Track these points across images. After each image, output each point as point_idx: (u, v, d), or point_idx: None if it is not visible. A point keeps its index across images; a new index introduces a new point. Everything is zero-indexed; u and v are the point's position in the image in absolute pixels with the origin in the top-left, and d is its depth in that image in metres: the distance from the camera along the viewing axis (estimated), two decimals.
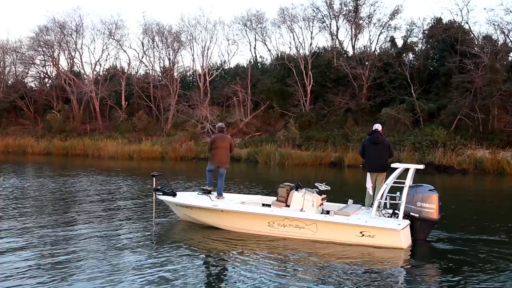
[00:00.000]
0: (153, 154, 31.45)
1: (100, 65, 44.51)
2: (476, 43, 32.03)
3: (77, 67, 45.24)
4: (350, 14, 37.15)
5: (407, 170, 9.48)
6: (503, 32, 32.17)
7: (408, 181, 9.23)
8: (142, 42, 42.16)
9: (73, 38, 42.94)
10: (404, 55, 35.96)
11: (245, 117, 36.93)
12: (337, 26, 38.24)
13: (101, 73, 44.31)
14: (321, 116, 35.09)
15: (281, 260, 8.02)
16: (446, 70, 31.69)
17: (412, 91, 30.69)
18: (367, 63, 34.76)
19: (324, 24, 38.40)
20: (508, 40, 32.54)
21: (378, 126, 10.59)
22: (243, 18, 41.47)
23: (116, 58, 54.26)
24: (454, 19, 34.38)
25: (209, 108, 36.39)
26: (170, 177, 19.08)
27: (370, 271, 7.51)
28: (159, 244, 8.98)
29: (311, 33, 38.63)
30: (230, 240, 9.29)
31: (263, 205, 10.62)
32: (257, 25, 41.34)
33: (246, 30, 41.96)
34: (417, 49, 36.03)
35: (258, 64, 43.20)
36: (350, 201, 10.45)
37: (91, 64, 43.82)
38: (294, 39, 39.25)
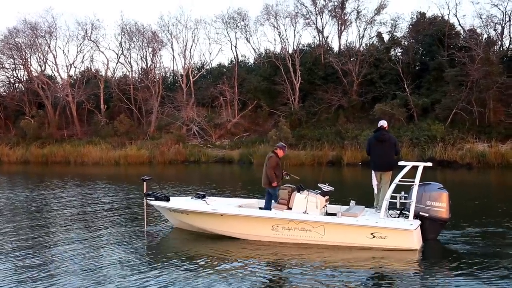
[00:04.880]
0: (140, 158, 29.92)
1: (75, 67, 42.52)
2: (465, 36, 31.78)
3: (52, 70, 43.12)
4: (336, 9, 36.43)
5: (414, 167, 9.04)
6: (486, 25, 32.10)
7: (417, 179, 8.77)
8: (120, 43, 40.38)
9: (46, 39, 40.74)
10: (392, 50, 35.51)
11: (232, 118, 35.70)
12: (322, 22, 37.55)
13: (75, 76, 42.24)
14: (311, 114, 34.23)
15: (287, 266, 7.49)
16: (437, 64, 31.36)
17: (406, 86, 30.16)
18: (352, 58, 34.16)
19: (309, 20, 37.62)
20: (493, 33, 32.55)
21: (383, 123, 10.01)
22: (224, 16, 40.18)
23: (92, 60, 51.22)
24: (441, 13, 34.24)
25: (196, 109, 34.95)
26: (160, 182, 17.80)
27: (381, 274, 7.13)
28: (152, 255, 8.22)
29: (294, 30, 37.84)
30: (230, 246, 8.71)
31: (261, 208, 10.11)
32: (238, 23, 40.14)
33: (227, 29, 40.77)
34: (405, 44, 35.59)
35: (241, 63, 42.02)
36: (352, 202, 9.96)
37: (66, 66, 41.68)
38: (280, 36, 38.09)
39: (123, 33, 39.84)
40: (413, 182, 8.76)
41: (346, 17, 36.85)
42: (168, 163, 30.08)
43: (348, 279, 6.85)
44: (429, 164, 9.13)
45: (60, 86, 40.76)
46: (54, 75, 42.82)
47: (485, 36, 32.38)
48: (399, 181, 8.83)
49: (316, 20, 37.40)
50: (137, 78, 40.88)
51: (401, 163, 9.32)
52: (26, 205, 13.76)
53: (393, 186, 8.92)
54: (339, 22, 36.97)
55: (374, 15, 35.92)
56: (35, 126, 38.43)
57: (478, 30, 31.83)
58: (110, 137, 35.59)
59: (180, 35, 40.32)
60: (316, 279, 6.85)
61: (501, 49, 32.77)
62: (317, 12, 37.10)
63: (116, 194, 15.95)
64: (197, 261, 7.79)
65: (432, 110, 29.49)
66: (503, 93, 26.91)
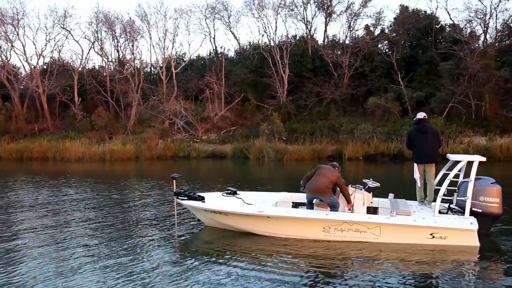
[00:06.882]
0: (126, 154, 28.07)
1: (44, 57, 39.89)
2: (455, 30, 31.80)
3: (20, 59, 40.16)
4: (324, 1, 35.67)
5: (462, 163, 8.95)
6: (469, 21, 32.21)
7: (473, 175, 8.58)
8: (96, 31, 37.99)
9: (13, 26, 37.70)
10: (382, 43, 35.19)
11: (219, 111, 34.32)
12: (306, 14, 36.75)
13: (46, 67, 39.40)
14: (301, 107, 33.39)
15: (339, 267, 7.11)
16: (428, 57, 31.24)
17: (400, 79, 29.85)
18: (340, 52, 33.57)
19: (295, 12, 36.69)
20: (479, 27, 32.74)
21: (423, 114, 9.75)
22: (208, 6, 38.66)
23: (61, 49, 47.38)
24: (428, 6, 34.18)
25: (183, 102, 33.31)
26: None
27: (439, 273, 6.94)
28: (186, 256, 7.64)
29: (279, 21, 36.77)
30: (273, 245, 8.30)
31: (294, 203, 9.90)
32: (221, 13, 38.76)
33: (208, 20, 39.28)
34: (393, 37, 35.30)
35: (222, 55, 40.61)
36: (391, 195, 9.89)
37: (37, 56, 38.82)
38: (266, 28, 37.04)
39: (98, 21, 37.57)
40: (457, 176, 8.81)
41: (332, 9, 36.24)
42: (156, 158, 28.45)
43: (404, 278, 6.70)
44: (483, 158, 8.75)
45: (29, 76, 37.93)
46: (23, 65, 39.92)
47: (469, 30, 32.64)
48: (453, 176, 8.72)
49: (305, 12, 36.55)
50: (113, 69, 38.65)
51: (452, 157, 9.15)
52: (40, 205, 12.10)
53: (447, 182, 8.67)
54: (326, 13, 36.23)
55: (362, 7, 35.49)
56: (1, 120, 35.70)
57: (468, 24, 32.01)
58: (88, 131, 33.43)
59: (160, 24, 38.20)
60: (368, 279, 6.58)
61: (485, 43, 33.07)
62: (303, 4, 36.28)
63: (129, 193, 14.47)
64: (241, 259, 7.42)
65: (427, 104, 29.29)
66: (501, 86, 26.98)
